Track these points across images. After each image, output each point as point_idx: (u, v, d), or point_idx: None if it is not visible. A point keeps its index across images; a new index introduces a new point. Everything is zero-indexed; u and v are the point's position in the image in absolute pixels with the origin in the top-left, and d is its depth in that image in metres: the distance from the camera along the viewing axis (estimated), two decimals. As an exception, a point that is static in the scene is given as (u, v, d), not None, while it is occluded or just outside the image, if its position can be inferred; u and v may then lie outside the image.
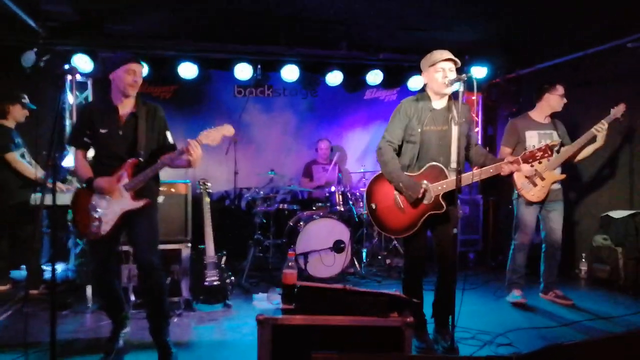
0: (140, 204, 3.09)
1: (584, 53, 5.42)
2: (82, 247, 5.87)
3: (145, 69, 5.45)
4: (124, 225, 3.14)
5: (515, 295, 4.45)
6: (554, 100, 4.37)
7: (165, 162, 3.09)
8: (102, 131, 3.07)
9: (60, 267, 5.59)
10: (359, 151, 7.07)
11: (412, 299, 3.28)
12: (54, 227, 3.24)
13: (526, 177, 4.29)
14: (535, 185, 4.28)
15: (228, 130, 3.16)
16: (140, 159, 3.11)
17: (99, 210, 3.05)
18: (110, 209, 3.05)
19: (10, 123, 4.70)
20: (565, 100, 4.38)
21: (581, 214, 5.60)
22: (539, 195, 4.29)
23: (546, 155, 3.12)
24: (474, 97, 7.26)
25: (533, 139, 4.38)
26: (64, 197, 4.38)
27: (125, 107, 3.14)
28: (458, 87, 3.08)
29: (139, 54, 5.52)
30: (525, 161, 3.16)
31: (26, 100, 4.75)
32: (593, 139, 4.21)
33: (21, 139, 4.77)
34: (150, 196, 3.17)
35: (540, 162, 3.43)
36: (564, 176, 4.34)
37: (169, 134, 3.29)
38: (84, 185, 3.11)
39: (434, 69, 3.22)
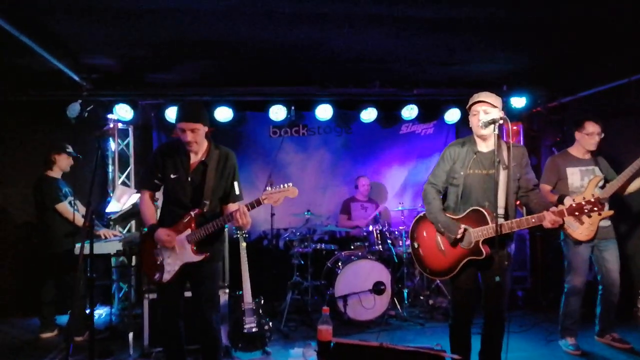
0: (199, 257, 3.09)
1: (628, 80, 5.20)
2: (125, 292, 5.99)
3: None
4: (188, 275, 3.16)
5: (569, 344, 4.19)
6: (584, 140, 4.20)
7: (224, 222, 3.08)
8: (172, 176, 3.12)
9: (104, 312, 5.70)
10: (396, 188, 6.95)
11: (455, 352, 3.16)
12: (90, 275, 3.26)
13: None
14: (582, 223, 4.03)
15: (292, 192, 3.10)
16: (205, 209, 3.11)
17: (161, 258, 3.11)
18: (172, 258, 3.09)
19: (56, 173, 4.89)
20: (597, 138, 4.17)
21: (636, 250, 5.26)
22: (587, 233, 4.05)
23: (596, 208, 2.90)
24: (515, 127, 7.08)
25: (575, 176, 4.20)
26: (106, 245, 4.48)
27: (198, 153, 3.17)
28: (494, 129, 3.00)
29: (176, 101, 5.80)
30: (571, 214, 2.94)
31: (70, 149, 4.94)
32: (638, 172, 3.91)
33: (69, 188, 4.95)
34: (212, 249, 3.18)
35: (589, 216, 3.26)
36: (612, 212, 4.05)
37: (236, 185, 3.26)
38: (145, 230, 3.15)
39: (471, 111, 3.21)
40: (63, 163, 4.92)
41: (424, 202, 3.34)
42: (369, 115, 6.28)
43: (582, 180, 4.17)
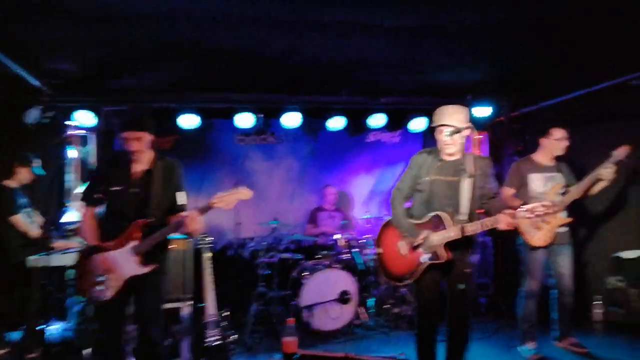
0: (146, 269, 2.99)
1: (587, 91, 5.37)
2: (82, 306, 5.79)
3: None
4: (131, 290, 3.01)
5: (529, 349, 4.26)
6: (552, 145, 4.30)
7: (173, 230, 2.99)
8: (116, 189, 3.00)
9: (58, 327, 5.49)
10: (363, 196, 6.97)
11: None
12: (43, 288, 3.14)
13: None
14: (539, 229, 4.11)
15: (245, 194, 3.02)
16: (152, 219, 3.00)
17: (101, 274, 2.93)
18: (114, 273, 2.93)
19: (14, 183, 4.70)
20: (564, 143, 4.29)
21: (592, 255, 5.42)
22: (545, 239, 4.13)
23: (551, 211, 3.01)
24: (480, 136, 7.21)
25: (537, 182, 4.29)
26: (62, 257, 4.32)
27: (142, 162, 3.08)
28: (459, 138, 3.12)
29: (140, 107, 5.67)
30: (524, 215, 3.02)
31: (36, 164, 4.77)
32: (597, 181, 4.07)
33: (26, 198, 4.75)
34: (158, 260, 3.06)
35: (543, 220, 3.35)
36: (570, 219, 4.18)
37: (179, 195, 3.18)
38: (85, 250, 3.00)
39: (438, 130, 3.30)
40: (23, 176, 4.75)
41: (391, 207, 3.43)
42: (336, 123, 6.29)
43: (545, 186, 4.26)
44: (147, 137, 3.06)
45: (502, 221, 3.04)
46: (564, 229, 4.25)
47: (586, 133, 5.48)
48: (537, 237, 4.14)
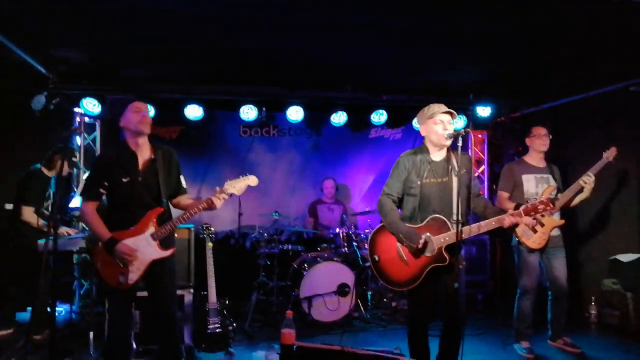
0: (167, 253, 3.13)
1: (587, 95, 5.45)
2: (86, 288, 5.89)
3: (152, 111, 5.54)
4: (148, 275, 3.11)
5: (523, 348, 4.35)
6: (536, 143, 4.40)
7: (193, 213, 3.12)
8: (124, 180, 3.05)
9: (63, 309, 5.59)
10: (364, 191, 7.05)
11: (415, 356, 3.26)
12: (51, 272, 3.21)
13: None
14: (535, 232, 4.20)
15: (253, 180, 3.21)
16: (164, 206, 3.16)
17: (126, 261, 3.02)
18: (137, 259, 3.04)
19: (51, 173, 4.76)
20: (546, 140, 4.38)
21: (589, 257, 5.52)
22: (539, 242, 4.21)
23: (548, 208, 3.10)
24: (480, 135, 7.29)
25: (530, 183, 4.37)
26: (69, 242, 4.41)
27: (143, 153, 3.14)
28: (458, 140, 3.11)
29: (145, 97, 5.72)
30: (527, 214, 3.13)
31: (76, 159, 4.81)
32: (581, 189, 4.16)
33: (52, 190, 4.81)
34: (174, 244, 3.24)
35: (542, 216, 3.40)
36: (563, 222, 4.27)
37: (182, 179, 3.34)
38: (103, 245, 3.02)
39: (433, 121, 3.25)
40: (62, 168, 4.78)
41: (381, 213, 3.32)
42: (339, 118, 6.37)
43: (537, 187, 4.33)
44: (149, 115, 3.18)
45: (507, 221, 3.10)
46: (558, 233, 4.33)
47: (584, 136, 5.59)
48: (533, 239, 4.22)
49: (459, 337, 3.28)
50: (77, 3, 3.79)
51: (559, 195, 4.26)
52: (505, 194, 4.42)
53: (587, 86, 5.41)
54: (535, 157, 4.45)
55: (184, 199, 3.36)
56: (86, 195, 3.10)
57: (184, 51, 4.98)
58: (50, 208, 4.74)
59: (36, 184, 4.63)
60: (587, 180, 4.07)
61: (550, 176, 4.38)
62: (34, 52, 4.87)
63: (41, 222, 4.54)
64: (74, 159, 4.82)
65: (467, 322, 3.25)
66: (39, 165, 4.73)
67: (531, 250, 4.26)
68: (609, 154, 4.12)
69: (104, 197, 3.14)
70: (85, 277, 5.73)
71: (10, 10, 3.94)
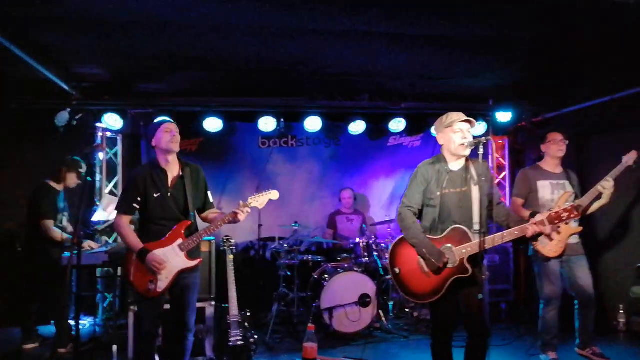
0: (194, 263, 3.33)
1: (610, 98, 5.33)
2: (109, 301, 5.96)
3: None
4: (176, 284, 3.31)
5: (550, 359, 4.24)
6: (552, 149, 4.30)
7: (219, 225, 3.31)
8: (155, 195, 3.29)
9: (87, 323, 5.67)
10: (383, 199, 7.01)
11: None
12: (76, 288, 3.34)
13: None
14: (551, 239, 4.02)
15: (274, 195, 3.40)
16: (192, 220, 3.37)
17: (155, 270, 3.21)
18: (166, 268, 3.23)
19: (60, 187, 4.83)
20: (563, 146, 4.27)
21: (615, 264, 5.38)
22: (556, 250, 4.08)
23: (572, 215, 3.03)
24: (500, 141, 7.20)
25: (545, 189, 4.27)
26: (92, 256, 4.47)
27: (172, 170, 3.39)
28: (478, 149, 3.06)
29: (165, 111, 5.82)
30: (552, 222, 3.07)
31: (83, 170, 4.86)
32: (600, 195, 3.99)
33: (65, 203, 4.88)
34: (200, 255, 3.44)
35: (567, 223, 3.31)
36: (581, 229, 4.12)
37: (209, 194, 3.56)
38: (136, 254, 3.22)
39: (452, 130, 3.20)
40: (70, 181, 4.87)
41: (402, 226, 3.26)
42: (357, 127, 6.35)
43: (553, 194, 4.22)
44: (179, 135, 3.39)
45: (531, 230, 3.06)
46: (576, 240, 4.20)
47: (604, 141, 5.48)
48: (549, 248, 4.09)
49: (485, 350, 3.20)
50: (97, 18, 3.88)
51: (577, 201, 4.13)
52: (520, 201, 4.33)
53: (609, 90, 5.30)
54: (551, 163, 4.35)
55: (212, 213, 3.54)
56: (121, 210, 3.32)
57: (202, 64, 5.04)
58: (63, 221, 4.80)
59: (45, 197, 4.68)
60: (606, 186, 3.91)
61: (566, 182, 4.27)
62: (56, 70, 4.99)
63: (65, 236, 4.60)
64: (80, 170, 4.87)
65: (491, 333, 3.15)
66: (46, 180, 4.80)
67: (549, 259, 4.14)
68: (629, 158, 3.97)
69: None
70: (109, 291, 5.81)
71: (32, 28, 4.05)
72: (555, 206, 4.02)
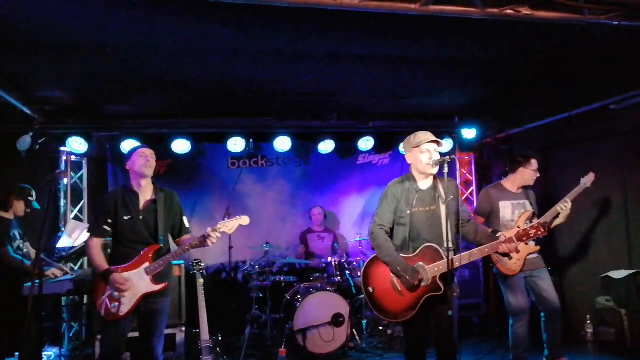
0: (159, 287, 3.29)
1: (569, 114, 5.53)
2: (75, 331, 5.76)
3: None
4: (141, 309, 3.28)
5: (522, 373, 4.28)
6: (527, 175, 4.33)
7: (186, 249, 3.32)
8: (125, 218, 3.31)
9: (53, 353, 5.45)
10: (355, 217, 7.03)
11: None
12: (38, 315, 3.25)
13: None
14: (510, 258, 4.09)
15: (245, 220, 3.41)
16: (161, 244, 3.35)
17: (118, 292, 3.19)
18: (130, 291, 3.21)
19: (9, 215, 4.67)
20: (538, 175, 4.35)
21: (581, 275, 5.52)
22: (515, 268, 4.14)
23: (539, 233, 3.10)
24: (467, 157, 7.35)
25: (507, 210, 4.31)
26: (57, 285, 4.32)
27: (145, 194, 3.41)
28: (444, 167, 3.11)
29: (132, 133, 5.73)
30: (520, 239, 3.14)
31: (33, 198, 4.71)
32: (558, 215, 4.14)
33: (20, 230, 4.72)
34: (167, 280, 3.38)
35: (533, 241, 3.39)
36: (538, 248, 4.17)
37: (185, 219, 3.58)
38: (100, 275, 3.24)
39: (419, 150, 3.25)
40: (19, 209, 4.70)
41: (375, 244, 3.28)
42: (326, 146, 6.40)
43: (513, 214, 4.28)
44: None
45: (502, 249, 3.13)
46: (535, 256, 4.25)
47: (567, 155, 5.67)
48: (508, 265, 4.16)
49: (455, 362, 3.23)
50: (59, 43, 3.83)
51: (542, 218, 4.20)
52: (481, 219, 4.37)
53: (570, 105, 5.49)
54: (515, 184, 4.38)
55: (187, 238, 3.54)
56: (93, 232, 3.39)
57: (169, 85, 5.01)
58: (19, 248, 4.63)
59: None
60: (564, 207, 4.06)
61: (526, 201, 4.33)
62: (17, 93, 4.87)
63: (28, 263, 4.44)
64: (30, 198, 4.72)
65: (463, 346, 3.18)
66: None
67: (511, 277, 4.19)
68: (587, 180, 4.13)
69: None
70: (75, 320, 5.61)
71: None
72: (515, 225, 4.13)
